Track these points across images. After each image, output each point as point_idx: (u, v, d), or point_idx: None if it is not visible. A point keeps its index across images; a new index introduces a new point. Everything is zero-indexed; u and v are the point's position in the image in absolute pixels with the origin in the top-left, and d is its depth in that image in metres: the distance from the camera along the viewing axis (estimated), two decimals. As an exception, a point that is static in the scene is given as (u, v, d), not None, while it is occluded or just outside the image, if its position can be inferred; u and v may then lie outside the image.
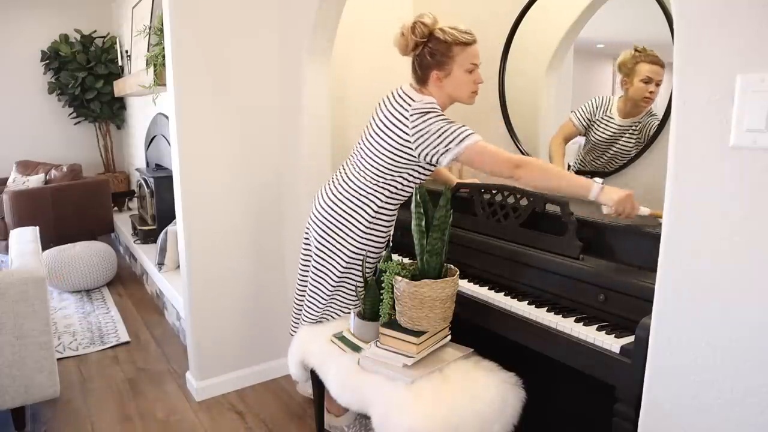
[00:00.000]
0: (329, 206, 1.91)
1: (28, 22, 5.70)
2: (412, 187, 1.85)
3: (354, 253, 1.90)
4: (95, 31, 5.92)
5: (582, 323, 1.44)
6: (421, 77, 1.80)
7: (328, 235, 1.92)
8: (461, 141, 1.66)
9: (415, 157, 1.74)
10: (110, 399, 2.55)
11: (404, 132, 1.73)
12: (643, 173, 1.87)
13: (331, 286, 1.96)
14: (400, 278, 1.57)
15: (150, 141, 4.79)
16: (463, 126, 1.69)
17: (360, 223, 1.87)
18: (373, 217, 1.86)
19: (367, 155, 1.84)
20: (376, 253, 1.94)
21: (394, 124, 1.76)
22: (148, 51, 3.84)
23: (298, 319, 2.13)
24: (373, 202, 1.85)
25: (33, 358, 2.13)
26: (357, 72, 2.80)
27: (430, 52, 1.75)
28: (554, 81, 2.17)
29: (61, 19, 5.82)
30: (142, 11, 4.52)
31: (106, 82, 5.75)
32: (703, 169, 1.03)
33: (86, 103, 5.88)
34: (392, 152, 1.76)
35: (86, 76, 5.72)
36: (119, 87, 4.95)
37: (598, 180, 1.60)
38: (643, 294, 1.35)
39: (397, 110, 1.76)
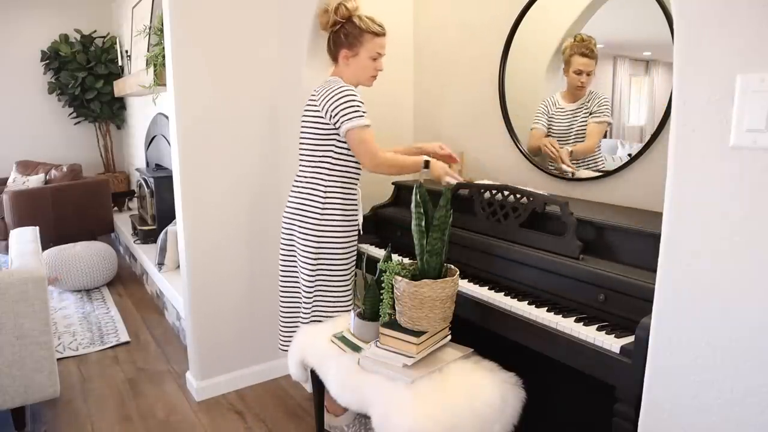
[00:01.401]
0: (288, 203, 2.10)
1: (28, 22, 5.70)
2: (348, 162, 2.00)
3: (319, 238, 1.99)
4: (95, 31, 5.92)
5: (582, 323, 1.44)
6: (333, 53, 2.04)
7: (296, 226, 2.04)
8: (355, 118, 1.88)
9: (328, 122, 1.94)
10: (110, 399, 2.55)
11: (315, 104, 1.98)
12: (643, 173, 1.87)
13: (311, 277, 2.02)
14: (400, 278, 1.56)
15: (150, 141, 4.79)
16: (360, 104, 1.90)
17: (315, 204, 2.00)
18: (324, 194, 1.99)
19: (302, 146, 2.06)
20: (344, 239, 2.02)
21: (309, 105, 2.03)
22: (148, 51, 3.84)
23: (286, 336, 2.19)
24: (321, 180, 2.00)
25: (33, 358, 2.13)
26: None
27: (345, 32, 1.97)
28: (554, 81, 2.17)
29: (61, 19, 5.82)
30: (142, 11, 4.53)
31: (106, 82, 5.75)
32: (703, 169, 1.03)
33: (86, 103, 5.88)
34: (313, 127, 1.98)
35: (86, 76, 5.73)
36: (119, 87, 4.96)
37: (426, 157, 2.04)
38: (643, 294, 1.35)
39: (312, 94, 2.04)
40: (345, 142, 1.97)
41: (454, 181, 2.00)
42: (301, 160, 2.08)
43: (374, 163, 1.93)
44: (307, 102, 2.05)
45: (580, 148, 2.09)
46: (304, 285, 2.06)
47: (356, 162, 2.01)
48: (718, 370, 1.04)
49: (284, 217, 2.12)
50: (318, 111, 1.95)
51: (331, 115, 1.91)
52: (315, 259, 2.01)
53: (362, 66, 1.99)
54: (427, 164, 2.02)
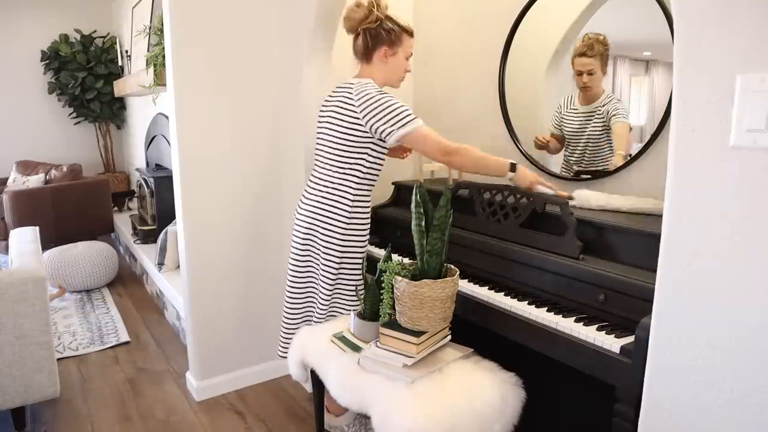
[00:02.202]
0: (307, 208, 2.01)
1: (28, 22, 5.70)
2: (378, 168, 1.96)
3: (343, 243, 1.96)
4: (95, 31, 5.92)
5: (582, 323, 1.44)
6: (369, 51, 1.93)
7: (317, 234, 2.00)
8: (407, 123, 1.81)
9: (366, 132, 1.86)
10: (110, 399, 2.55)
11: (353, 111, 1.87)
12: (643, 173, 1.87)
13: (332, 281, 2.00)
14: (400, 278, 1.56)
15: (150, 141, 4.79)
16: (404, 105, 1.84)
17: (342, 211, 1.94)
18: (352, 202, 1.94)
19: (328, 149, 1.96)
20: (363, 242, 2.01)
21: (343, 109, 1.91)
22: (148, 51, 3.84)
23: (288, 341, 2.13)
24: (349, 188, 1.94)
25: (33, 358, 2.13)
26: (356, 71, 2.79)
27: (387, 29, 1.91)
28: (554, 81, 2.17)
29: (61, 19, 5.82)
30: (142, 11, 4.53)
31: (106, 82, 5.75)
32: (703, 169, 1.03)
33: (86, 103, 5.88)
34: (347, 134, 1.89)
35: (86, 76, 5.73)
36: (119, 87, 4.96)
37: (513, 161, 1.88)
38: (643, 294, 1.35)
39: (343, 96, 1.92)
40: (380, 150, 1.91)
41: (548, 191, 1.80)
42: (323, 163, 1.99)
43: (446, 152, 1.81)
44: (334, 101, 1.95)
45: (618, 159, 1.98)
46: (324, 288, 2.01)
47: (380, 168, 1.96)
48: (718, 370, 1.04)
49: (301, 221, 2.03)
50: (355, 117, 1.85)
51: (376, 128, 1.82)
52: (338, 264, 1.97)
53: (399, 65, 1.95)
54: (513, 168, 1.84)
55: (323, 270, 2.00)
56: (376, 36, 1.90)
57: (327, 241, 1.97)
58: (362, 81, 1.91)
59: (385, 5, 1.91)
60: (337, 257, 1.97)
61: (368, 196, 1.99)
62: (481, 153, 1.87)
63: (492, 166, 1.86)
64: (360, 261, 2.02)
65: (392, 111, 1.81)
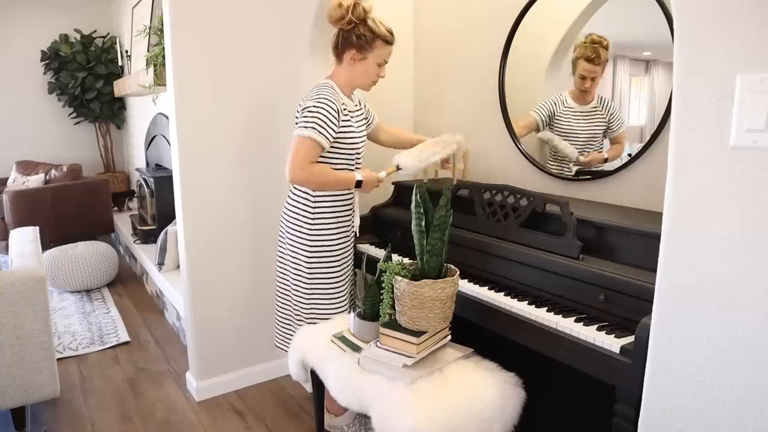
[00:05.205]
0: (285, 208, 2.10)
1: (28, 22, 5.70)
2: (333, 163, 1.98)
3: (311, 241, 2.01)
4: (95, 31, 5.92)
5: (582, 323, 1.44)
6: (339, 51, 1.97)
7: (288, 232, 2.06)
8: (304, 127, 1.86)
9: None
10: (110, 399, 2.55)
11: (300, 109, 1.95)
12: (643, 173, 1.87)
13: (308, 284, 2.05)
14: (400, 278, 1.56)
15: (150, 141, 4.79)
16: (324, 119, 1.86)
17: (306, 210, 2.00)
18: (314, 199, 2.00)
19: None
20: (337, 244, 2.04)
21: (297, 112, 1.99)
22: (148, 51, 3.84)
23: (279, 333, 2.22)
24: (307, 189, 2.00)
25: (33, 358, 2.13)
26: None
27: (358, 34, 1.90)
28: (554, 81, 2.17)
29: (61, 19, 5.82)
30: (142, 11, 4.53)
31: (106, 82, 5.75)
32: (703, 169, 1.03)
33: (86, 103, 5.88)
34: None
35: (86, 76, 5.73)
36: (119, 87, 4.96)
37: (359, 176, 1.96)
38: (643, 294, 1.35)
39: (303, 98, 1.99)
40: (333, 146, 1.94)
41: (382, 174, 2.03)
42: None
43: (292, 175, 1.88)
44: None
45: (606, 156, 2.05)
46: (299, 291, 2.07)
47: (336, 163, 1.98)
48: (718, 370, 1.04)
49: (280, 222, 2.14)
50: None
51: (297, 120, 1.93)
52: (308, 264, 2.02)
53: (366, 71, 1.96)
54: (359, 184, 1.97)
55: (294, 273, 2.07)
56: (346, 39, 1.92)
57: (293, 246, 2.04)
58: (320, 83, 1.96)
59: (368, 7, 1.90)
60: (307, 256, 2.02)
61: (337, 196, 2.02)
62: (329, 178, 1.93)
63: (341, 184, 1.96)
64: (338, 268, 2.06)
65: (310, 114, 1.86)
